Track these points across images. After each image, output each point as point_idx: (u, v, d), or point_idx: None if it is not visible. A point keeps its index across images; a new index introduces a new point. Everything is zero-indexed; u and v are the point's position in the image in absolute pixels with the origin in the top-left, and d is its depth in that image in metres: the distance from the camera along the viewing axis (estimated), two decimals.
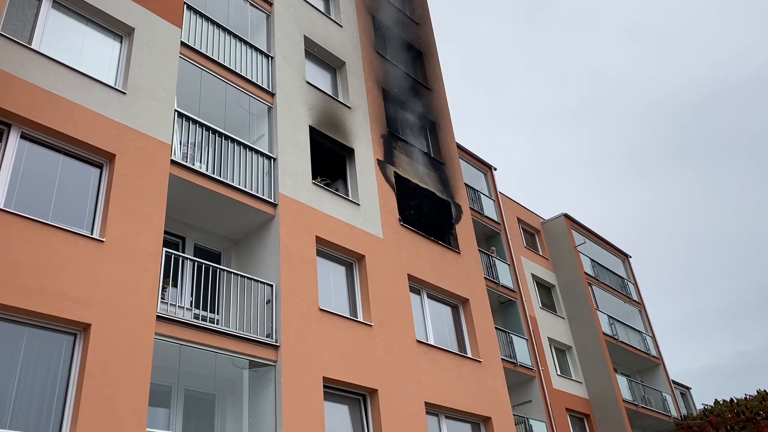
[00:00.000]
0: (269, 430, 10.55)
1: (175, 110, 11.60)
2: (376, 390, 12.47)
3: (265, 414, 10.75)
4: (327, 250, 13.51)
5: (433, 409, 13.75)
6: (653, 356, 29.21)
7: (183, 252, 11.85)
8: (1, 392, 7.93)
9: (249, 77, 13.59)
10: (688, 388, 35.12)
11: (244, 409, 10.87)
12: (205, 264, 11.05)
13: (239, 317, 11.09)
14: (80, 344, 8.71)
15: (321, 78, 16.16)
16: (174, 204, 11.26)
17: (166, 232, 10.86)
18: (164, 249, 10.21)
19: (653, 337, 30.60)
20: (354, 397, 12.47)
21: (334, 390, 11.99)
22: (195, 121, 12.00)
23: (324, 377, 11.58)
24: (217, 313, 11.09)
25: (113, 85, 10.80)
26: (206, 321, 10.55)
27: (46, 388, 8.28)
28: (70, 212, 9.50)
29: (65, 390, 8.39)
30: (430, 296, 15.72)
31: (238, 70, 13.40)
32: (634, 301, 30.89)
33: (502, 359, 18.33)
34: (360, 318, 13.27)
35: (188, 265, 10.99)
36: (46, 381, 8.32)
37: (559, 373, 24.12)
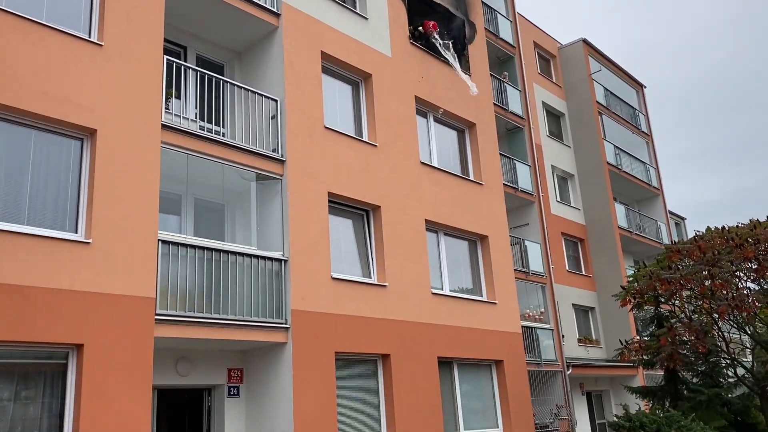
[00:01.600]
0: (276, 238, 11.08)
1: None
2: (379, 206, 12.88)
3: (273, 224, 11.22)
4: (332, 66, 13.17)
5: (432, 226, 14.31)
6: (654, 187, 29.74)
7: (185, 61, 11.59)
8: (16, 191, 8.22)
9: None
10: (682, 219, 36.19)
11: (252, 219, 11.32)
12: (208, 75, 10.86)
13: (245, 131, 11.13)
14: (87, 149, 8.85)
15: None
16: (173, 10, 10.80)
17: (166, 40, 10.52)
18: (165, 57, 9.96)
19: (656, 169, 30.90)
20: (358, 212, 12.92)
21: (339, 205, 12.40)
22: None
23: (329, 192, 11.91)
24: (223, 126, 11.11)
25: None
26: (212, 133, 10.61)
27: (58, 191, 8.57)
28: (63, 13, 9.12)
29: (77, 194, 8.67)
30: (436, 119, 15.61)
31: None
32: (643, 132, 30.72)
33: (504, 184, 18.65)
34: (365, 138, 13.31)
35: (191, 75, 10.79)
36: (58, 184, 8.59)
37: (558, 199, 24.72)
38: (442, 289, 14.15)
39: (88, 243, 8.39)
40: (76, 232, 8.48)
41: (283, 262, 10.90)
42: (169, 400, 11.89)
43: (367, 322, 11.92)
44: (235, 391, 10.98)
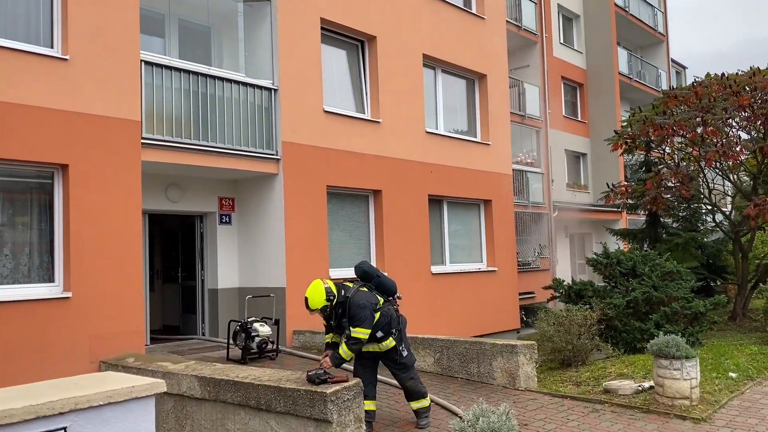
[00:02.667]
0: (266, 66, 10.67)
1: None
2: (375, 37, 12.30)
3: (262, 51, 10.74)
4: None
5: (430, 62, 13.81)
6: (659, 33, 28.63)
7: None
8: None
9: None
10: (684, 68, 35.27)
11: (240, 45, 10.79)
12: None
13: None
14: None
15: None
16: None
17: None
18: None
19: (664, 14, 29.56)
20: (352, 42, 12.35)
21: (332, 33, 11.81)
22: None
23: (321, 18, 11.28)
24: None
25: None
26: None
27: (29, 1, 8.01)
28: None
29: (50, 4, 8.12)
30: None
31: None
32: None
33: (507, 21, 17.79)
34: None
35: None
36: None
37: (561, 41, 23.80)
38: (436, 129, 13.98)
39: (66, 60, 7.99)
40: (52, 48, 8.05)
41: (273, 91, 10.58)
42: (162, 225, 12.18)
43: (359, 157, 11.88)
44: (227, 219, 11.19)
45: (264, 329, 9.04)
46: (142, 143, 8.78)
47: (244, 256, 11.21)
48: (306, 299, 5.86)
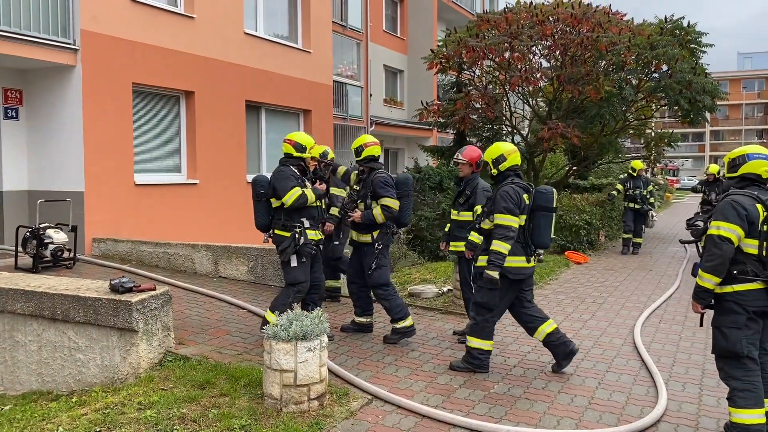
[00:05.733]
0: None
1: None
2: None
3: None
4: None
5: None
6: None
7: None
8: None
9: None
10: None
11: None
12: None
13: None
14: None
15: None
16: None
17: None
18: None
19: None
20: None
21: None
22: None
23: None
24: None
25: None
26: None
27: None
28: None
29: None
30: None
31: None
32: None
33: None
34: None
35: None
36: None
37: None
38: (256, 30, 13.35)
39: None
40: None
41: None
42: None
43: (170, 54, 11.02)
44: (13, 113, 9.87)
45: (59, 236, 8.34)
46: None
47: (34, 156, 10.05)
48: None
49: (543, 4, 15.18)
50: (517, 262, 4.96)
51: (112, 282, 5.16)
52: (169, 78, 11.06)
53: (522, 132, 17.68)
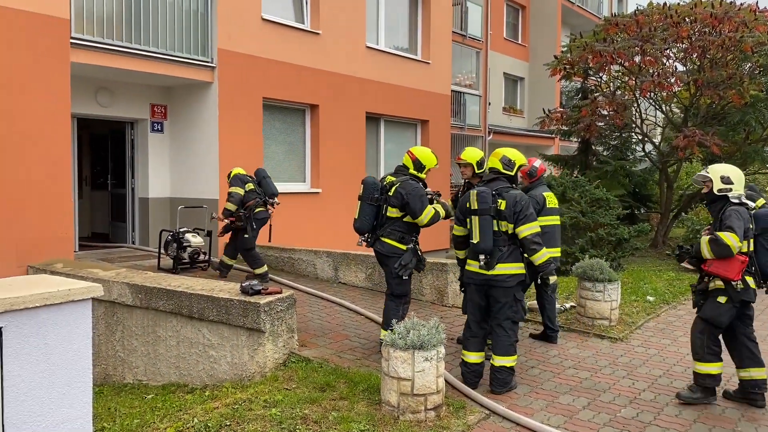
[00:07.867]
0: None
1: None
2: None
3: None
4: None
5: None
6: None
7: None
8: None
9: None
10: None
11: None
12: None
13: None
14: None
15: None
16: None
17: None
18: None
19: None
20: None
21: None
22: None
23: None
24: None
25: None
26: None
27: None
28: None
29: None
30: None
31: None
32: None
33: None
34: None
35: None
36: None
37: None
38: (377, 44, 13.67)
39: None
40: None
41: None
42: (90, 130, 11.64)
43: (297, 69, 11.54)
44: (159, 127, 10.77)
45: (196, 240, 8.96)
46: (72, 44, 8.29)
47: (176, 166, 10.89)
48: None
49: (678, 4, 14.29)
50: None
51: (242, 284, 5.48)
52: (296, 92, 11.59)
53: (654, 140, 16.73)
